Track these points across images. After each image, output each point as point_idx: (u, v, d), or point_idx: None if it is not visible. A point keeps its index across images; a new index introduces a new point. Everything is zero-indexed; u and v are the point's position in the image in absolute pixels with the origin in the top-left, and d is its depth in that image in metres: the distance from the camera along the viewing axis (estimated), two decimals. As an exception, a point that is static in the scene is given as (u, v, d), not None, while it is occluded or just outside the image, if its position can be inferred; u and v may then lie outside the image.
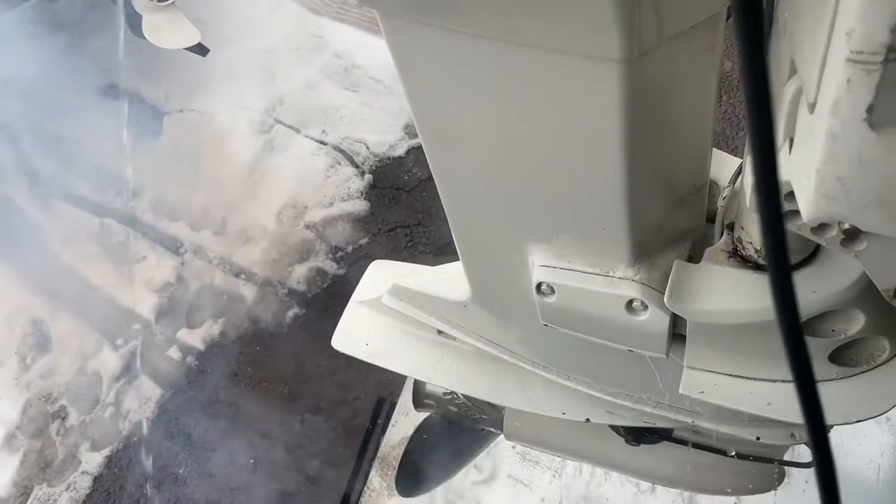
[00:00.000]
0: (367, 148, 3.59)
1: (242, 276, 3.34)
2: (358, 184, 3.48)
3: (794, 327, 0.45)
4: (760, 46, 0.37)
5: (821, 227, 0.64)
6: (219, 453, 2.90)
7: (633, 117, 0.70)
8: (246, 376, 3.07)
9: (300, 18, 3.95)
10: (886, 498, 2.01)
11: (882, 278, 0.67)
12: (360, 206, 3.43)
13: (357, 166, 3.55)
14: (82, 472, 2.98)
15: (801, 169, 0.57)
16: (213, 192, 3.59)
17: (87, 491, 2.95)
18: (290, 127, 3.71)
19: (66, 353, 3.28)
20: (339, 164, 3.57)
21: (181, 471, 2.90)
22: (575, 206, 0.87)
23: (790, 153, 0.61)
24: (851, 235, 0.64)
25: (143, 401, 3.10)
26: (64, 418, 3.13)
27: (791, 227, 0.67)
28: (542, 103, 0.73)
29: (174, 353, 3.17)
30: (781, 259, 0.42)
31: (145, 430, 3.03)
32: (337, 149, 3.62)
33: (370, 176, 3.51)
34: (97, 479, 2.96)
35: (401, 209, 3.38)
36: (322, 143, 3.65)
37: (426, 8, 0.68)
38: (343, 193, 3.47)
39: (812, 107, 0.53)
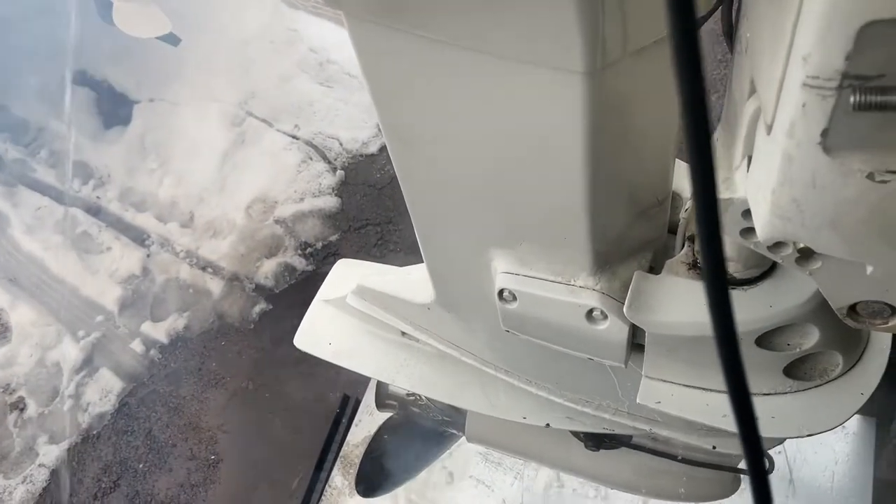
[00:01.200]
0: (340, 144, 3.57)
1: (209, 269, 3.30)
2: (329, 180, 3.46)
3: (731, 346, 0.45)
4: (700, 80, 0.37)
5: (777, 245, 0.64)
6: (179, 448, 2.87)
7: (596, 129, 0.70)
8: (210, 371, 3.03)
9: (276, 11, 3.91)
10: (840, 505, 2.05)
11: (835, 297, 0.67)
12: (331, 202, 3.41)
13: (329, 162, 3.53)
14: (39, 465, 2.93)
15: (757, 188, 0.57)
16: (181, 183, 3.54)
17: (44, 484, 2.89)
18: (263, 120, 3.67)
19: (25, 343, 3.21)
20: (311, 159, 3.54)
21: (141, 465, 2.86)
22: (538, 214, 0.87)
23: (748, 171, 0.61)
24: (806, 254, 0.65)
25: (103, 394, 3.05)
26: (22, 410, 3.07)
27: (748, 243, 0.68)
28: (505, 111, 0.73)
29: (137, 346, 3.12)
30: (719, 279, 0.42)
31: (105, 423, 2.98)
32: (309, 144, 3.59)
33: (342, 172, 3.48)
34: (54, 473, 2.91)
35: (372, 206, 3.36)
36: (294, 137, 3.62)
37: (392, 12, 0.67)
38: (314, 189, 3.45)
39: (769, 128, 0.53)
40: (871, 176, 0.46)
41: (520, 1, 0.58)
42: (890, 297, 0.65)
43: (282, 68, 3.77)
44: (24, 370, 3.15)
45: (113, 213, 3.51)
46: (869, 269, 0.55)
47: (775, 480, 2.11)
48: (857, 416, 2.17)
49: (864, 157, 0.46)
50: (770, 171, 0.52)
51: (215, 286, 3.23)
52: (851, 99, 0.42)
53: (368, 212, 3.37)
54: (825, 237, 0.53)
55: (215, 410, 2.94)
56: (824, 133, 0.46)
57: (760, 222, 0.56)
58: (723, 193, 0.65)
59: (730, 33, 0.70)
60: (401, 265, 1.35)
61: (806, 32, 0.43)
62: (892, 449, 2.18)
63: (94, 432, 2.97)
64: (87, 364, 3.12)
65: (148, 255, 3.36)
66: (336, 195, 3.43)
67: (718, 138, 0.74)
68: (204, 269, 3.30)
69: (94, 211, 3.53)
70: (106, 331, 3.20)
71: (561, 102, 0.68)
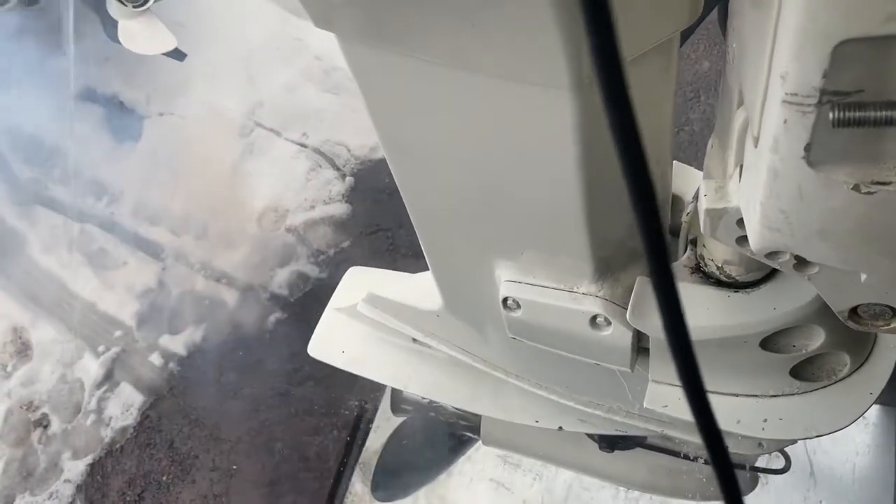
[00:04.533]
0: (349, 150, 3.58)
1: (224, 280, 3.32)
2: (339, 187, 3.47)
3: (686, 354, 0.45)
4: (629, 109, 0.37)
5: (773, 253, 0.65)
6: (201, 459, 2.89)
7: (588, 141, 0.70)
8: (228, 382, 3.06)
9: (281, 21, 3.92)
10: (861, 497, 2.03)
11: (836, 301, 0.67)
12: (341, 208, 3.42)
13: (338, 169, 3.54)
14: (64, 481, 2.97)
15: (748, 199, 0.57)
16: (193, 196, 3.57)
17: (70, 499, 2.93)
18: (271, 130, 3.69)
19: (47, 360, 3.25)
20: (321, 166, 3.55)
21: (164, 478, 2.89)
22: (537, 224, 0.87)
23: (740, 180, 0.62)
24: (803, 260, 0.65)
25: (125, 408, 3.08)
26: (46, 426, 3.11)
27: (745, 251, 0.68)
28: (499, 126, 0.74)
29: (156, 359, 3.16)
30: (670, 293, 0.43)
31: (128, 436, 3.01)
32: (318, 152, 3.61)
33: (351, 178, 3.50)
34: (79, 488, 2.95)
35: (382, 212, 3.37)
36: (303, 145, 3.63)
37: (381, 36, 0.68)
38: (324, 196, 3.46)
39: (756, 140, 0.53)
40: (856, 188, 0.47)
41: (503, 24, 0.58)
42: (890, 299, 0.65)
43: (288, 77, 3.79)
44: (47, 387, 3.19)
45: (127, 229, 3.54)
46: (863, 277, 0.55)
47: (796, 474, 2.10)
48: (876, 407, 2.15)
49: (848, 170, 0.47)
50: (758, 184, 0.53)
51: (230, 297, 3.25)
52: (830, 115, 0.42)
53: (379, 217, 3.38)
54: (816, 247, 0.53)
55: (235, 421, 2.96)
56: (807, 148, 0.46)
57: (752, 234, 0.57)
58: (717, 203, 0.65)
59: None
60: (412, 269, 1.36)
61: (782, 50, 0.43)
62: (913, 438, 2.16)
63: (118, 446, 3.01)
64: (108, 379, 3.16)
65: (163, 269, 3.39)
66: (346, 202, 3.44)
67: (713, 145, 0.74)
68: (218, 280, 3.32)
69: (109, 227, 3.57)
70: (125, 345, 3.23)
71: (551, 117, 0.68)
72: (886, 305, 0.66)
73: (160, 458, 2.94)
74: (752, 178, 0.55)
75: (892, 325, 0.68)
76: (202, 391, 3.05)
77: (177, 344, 3.17)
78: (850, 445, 2.11)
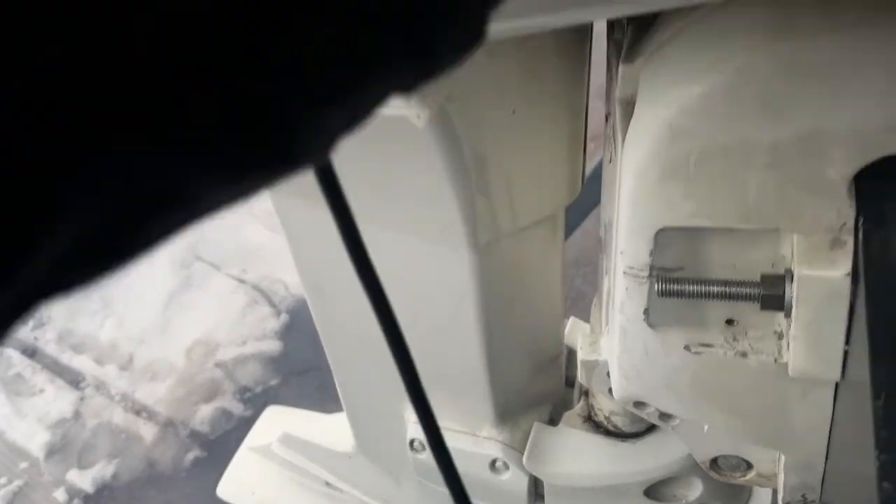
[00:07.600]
0: (286, 288, 3.63)
1: (144, 414, 3.23)
2: (273, 323, 3.49)
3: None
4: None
5: (639, 404, 0.72)
6: None
7: (484, 295, 0.79)
8: (135, 522, 2.90)
9: (231, 161, 4.08)
10: None
11: (696, 451, 0.74)
12: (273, 346, 3.42)
13: (274, 306, 3.57)
14: None
15: (609, 352, 0.65)
16: (123, 325, 3.53)
17: None
18: (210, 264, 3.73)
19: (-61, 491, 3.04)
20: (257, 303, 3.58)
21: None
22: (441, 368, 0.93)
23: (607, 336, 0.70)
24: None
25: (18, 548, 2.87)
26: (-74, 566, 2.86)
27: (615, 401, 0.75)
28: (407, 277, 0.82)
29: (60, 495, 2.99)
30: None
31: (16, 581, 2.79)
32: (256, 288, 3.65)
33: (286, 316, 3.52)
34: None
35: (315, 351, 3.36)
36: (241, 281, 3.67)
37: (298, 186, 0.77)
38: (258, 333, 3.47)
39: (613, 302, 0.62)
40: (687, 348, 0.55)
41: (411, 195, 0.68)
42: (743, 452, 0.73)
43: (231, 213, 3.88)
44: (-65, 522, 2.96)
45: (49, 355, 3.45)
46: (705, 428, 0.63)
47: None
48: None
49: (680, 332, 0.55)
50: (615, 340, 0.61)
51: (148, 432, 3.15)
52: (656, 287, 0.51)
53: (311, 356, 3.37)
54: (664, 399, 0.61)
55: (138, 566, 2.78)
56: (646, 312, 0.55)
57: (614, 383, 0.64)
58: (590, 355, 0.73)
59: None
60: (339, 411, 1.38)
61: (621, 231, 0.53)
62: None
63: (3, 591, 2.77)
64: (5, 515, 2.96)
65: (81, 399, 3.28)
66: (279, 339, 3.44)
67: (595, 304, 0.84)
68: (138, 413, 3.23)
69: (31, 352, 3.47)
70: (29, 478, 3.05)
71: (452, 271, 0.77)
72: (741, 458, 0.73)
73: None
74: (612, 335, 0.64)
75: (748, 477, 0.74)
76: (106, 532, 2.87)
77: (85, 479, 3.01)
78: None
